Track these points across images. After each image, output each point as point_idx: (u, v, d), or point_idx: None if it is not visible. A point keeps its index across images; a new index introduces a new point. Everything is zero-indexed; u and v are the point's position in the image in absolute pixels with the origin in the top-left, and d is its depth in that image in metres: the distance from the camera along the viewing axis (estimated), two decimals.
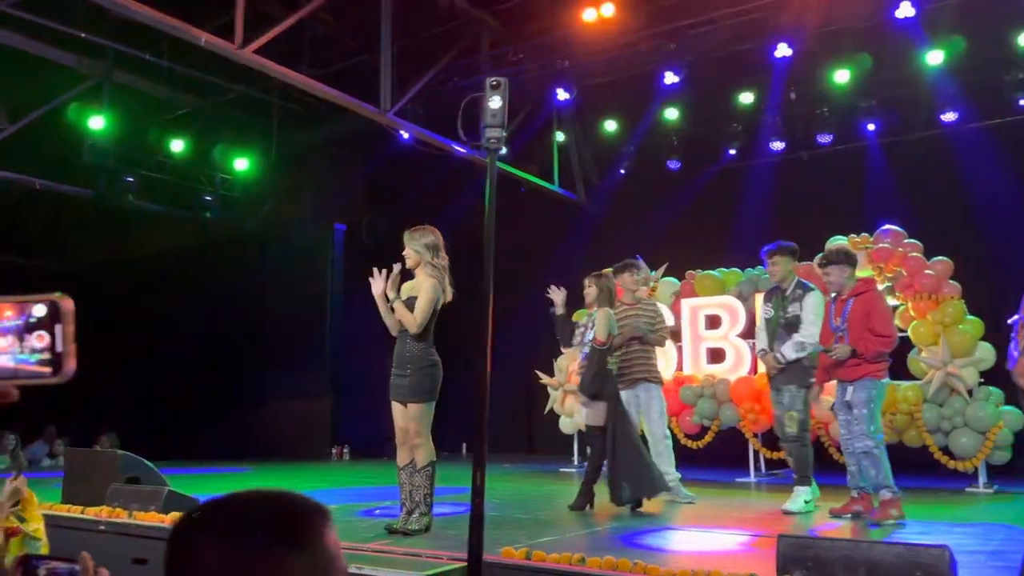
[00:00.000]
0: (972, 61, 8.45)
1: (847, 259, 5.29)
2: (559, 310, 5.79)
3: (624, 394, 5.92)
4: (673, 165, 10.31)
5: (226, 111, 10.70)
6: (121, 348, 11.26)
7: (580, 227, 10.92)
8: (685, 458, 8.06)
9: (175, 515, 4.01)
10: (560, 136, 10.80)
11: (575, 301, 6.32)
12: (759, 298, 8.11)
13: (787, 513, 5.33)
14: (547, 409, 9.27)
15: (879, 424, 5.08)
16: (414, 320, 4.36)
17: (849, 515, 5.13)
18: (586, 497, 5.56)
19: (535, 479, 7.32)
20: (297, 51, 8.78)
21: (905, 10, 6.75)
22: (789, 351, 5.31)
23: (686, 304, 8.34)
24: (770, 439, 8.17)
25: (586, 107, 10.54)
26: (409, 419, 4.40)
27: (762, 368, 7.97)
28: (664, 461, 5.87)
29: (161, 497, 4.67)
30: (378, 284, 4.42)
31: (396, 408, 4.48)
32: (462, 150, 9.02)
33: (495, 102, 3.02)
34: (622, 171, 10.96)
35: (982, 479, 6.91)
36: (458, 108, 4.05)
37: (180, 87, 10.04)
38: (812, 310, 5.30)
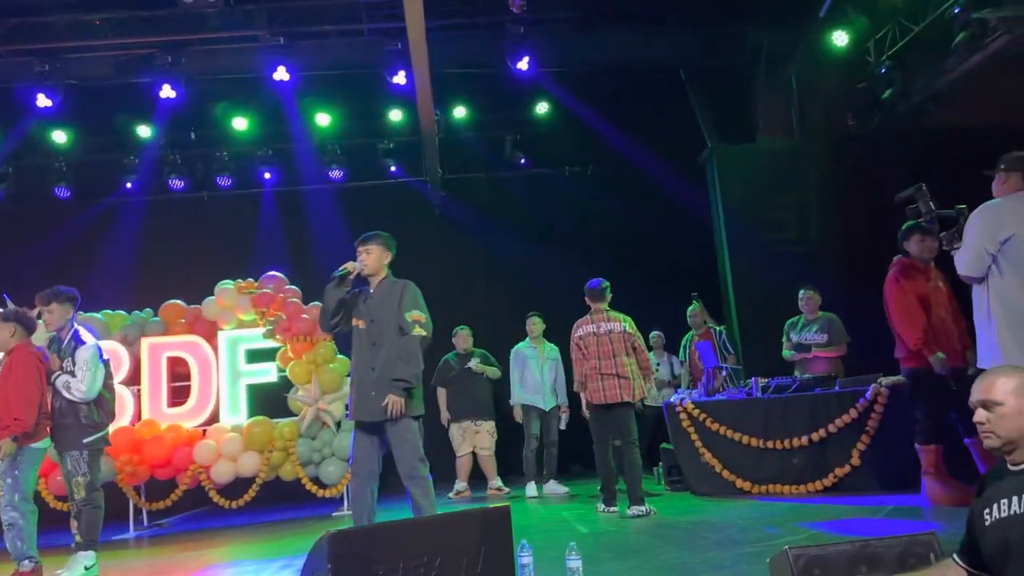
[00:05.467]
0: (355, 127, 9.63)
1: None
2: None
3: None
4: (62, 192, 9.36)
5: None
6: None
7: None
8: (55, 520, 7.18)
9: None
10: None
11: None
12: (144, 343, 7.84)
13: None
14: None
15: (26, 492, 4.92)
16: None
17: None
18: None
19: None
20: None
21: (281, 73, 7.28)
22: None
23: None
24: (153, 490, 7.86)
25: None
26: None
27: (146, 415, 7.69)
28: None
29: None
30: None
31: None
32: None
33: None
34: None
35: (346, 503, 7.76)
36: None
37: None
38: (84, 364, 5.06)
